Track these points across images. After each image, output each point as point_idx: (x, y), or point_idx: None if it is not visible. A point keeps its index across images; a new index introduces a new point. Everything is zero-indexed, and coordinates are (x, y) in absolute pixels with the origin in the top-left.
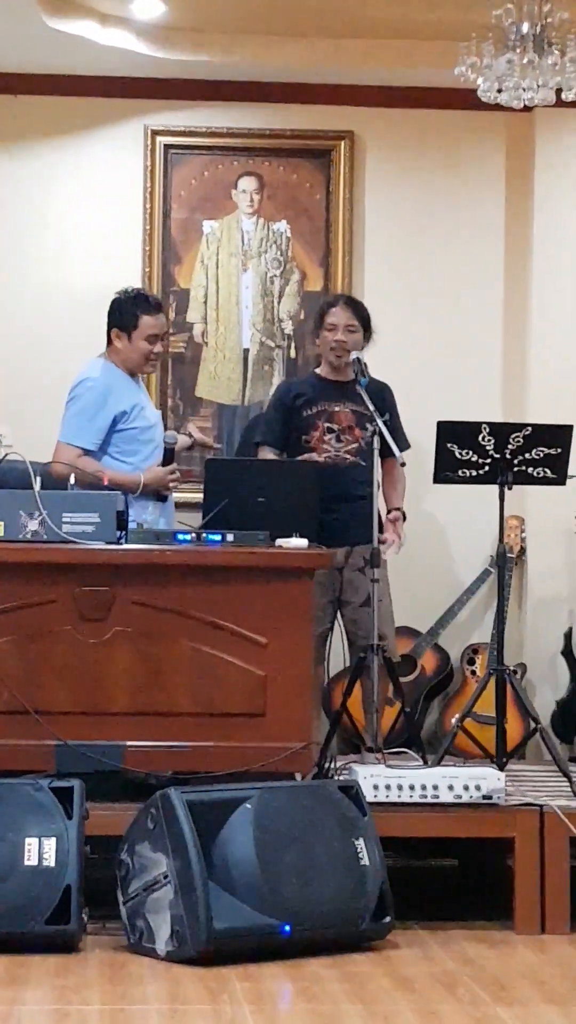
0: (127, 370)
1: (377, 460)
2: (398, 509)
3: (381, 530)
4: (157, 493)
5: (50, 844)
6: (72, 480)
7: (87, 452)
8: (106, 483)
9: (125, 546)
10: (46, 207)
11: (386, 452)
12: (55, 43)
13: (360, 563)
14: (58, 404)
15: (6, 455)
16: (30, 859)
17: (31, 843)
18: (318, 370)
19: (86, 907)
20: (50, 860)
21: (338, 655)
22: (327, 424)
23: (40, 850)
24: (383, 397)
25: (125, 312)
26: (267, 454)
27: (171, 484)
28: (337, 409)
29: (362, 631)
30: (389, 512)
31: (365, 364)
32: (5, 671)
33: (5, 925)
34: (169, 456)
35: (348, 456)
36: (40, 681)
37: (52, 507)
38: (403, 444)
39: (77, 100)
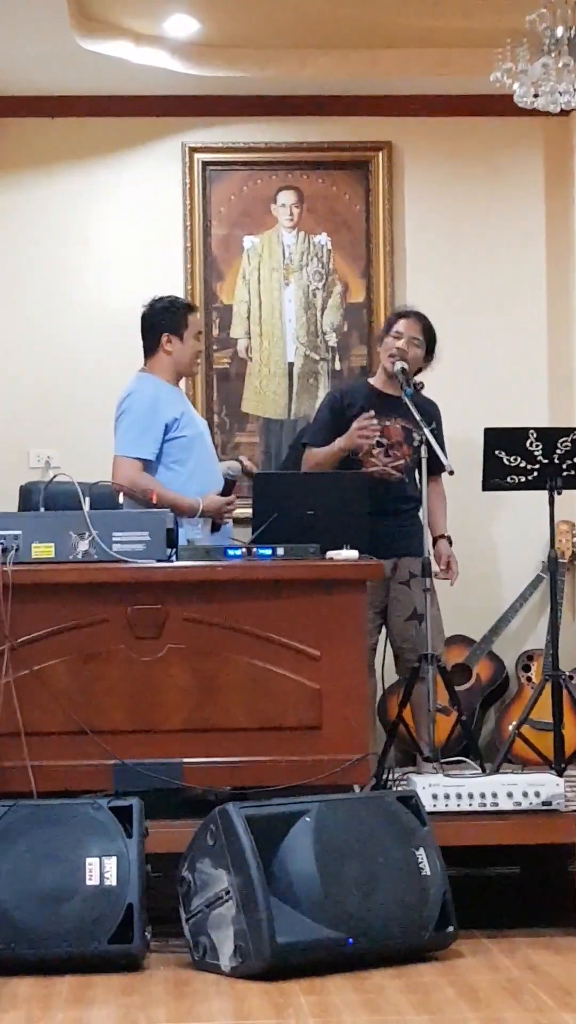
0: (173, 376)
1: (425, 471)
2: (443, 536)
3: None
4: (213, 520)
5: (111, 863)
6: (121, 499)
7: (146, 463)
8: (154, 500)
9: (176, 563)
10: (87, 228)
11: (433, 466)
12: (90, 64)
13: (406, 576)
14: (104, 424)
15: (54, 477)
16: (92, 879)
17: (92, 863)
18: (372, 380)
19: (149, 925)
20: (111, 879)
21: (391, 667)
22: (377, 438)
23: (101, 870)
24: (431, 415)
25: (175, 314)
26: (313, 455)
27: (226, 515)
28: (388, 423)
29: (408, 643)
30: (435, 542)
31: (420, 383)
32: (60, 692)
33: (69, 945)
34: (229, 487)
35: (395, 472)
36: (96, 701)
37: (102, 527)
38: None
39: (113, 120)
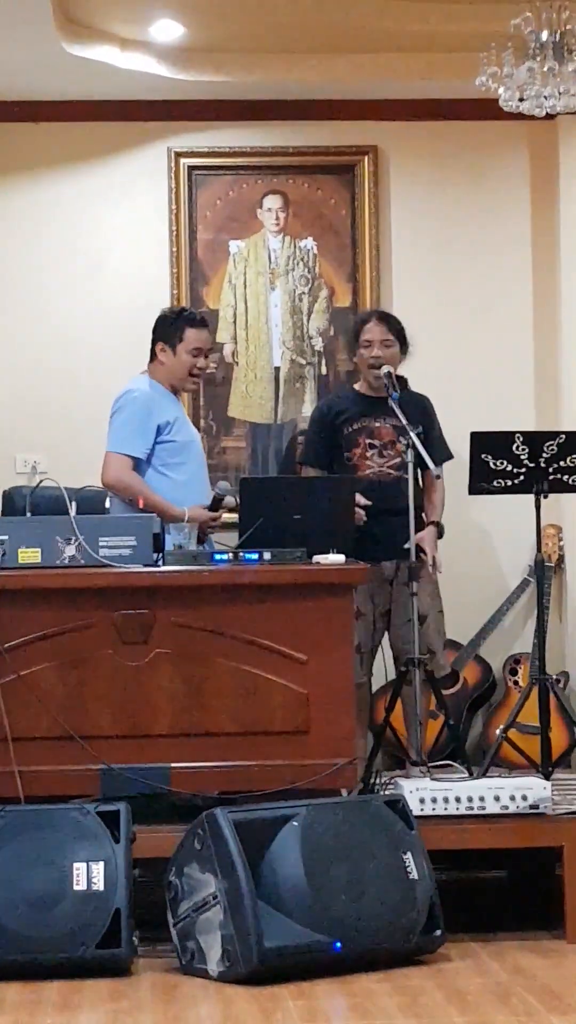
0: (169, 386)
1: (413, 473)
2: (433, 523)
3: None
4: (200, 531)
5: (98, 868)
6: (108, 503)
7: (136, 461)
8: (141, 506)
9: (163, 568)
10: (72, 233)
11: (423, 465)
12: (75, 69)
13: (407, 577)
14: (91, 430)
15: (40, 482)
16: (79, 884)
17: (79, 868)
18: (357, 386)
19: (136, 930)
20: (99, 884)
21: (383, 670)
22: (369, 440)
23: (89, 875)
24: (424, 409)
25: (171, 325)
26: (310, 473)
27: (209, 530)
28: (378, 425)
29: (409, 645)
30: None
31: (401, 378)
32: (47, 697)
33: (56, 951)
34: (216, 504)
35: (391, 471)
36: (82, 706)
37: (88, 532)
38: (443, 455)
39: (99, 125)
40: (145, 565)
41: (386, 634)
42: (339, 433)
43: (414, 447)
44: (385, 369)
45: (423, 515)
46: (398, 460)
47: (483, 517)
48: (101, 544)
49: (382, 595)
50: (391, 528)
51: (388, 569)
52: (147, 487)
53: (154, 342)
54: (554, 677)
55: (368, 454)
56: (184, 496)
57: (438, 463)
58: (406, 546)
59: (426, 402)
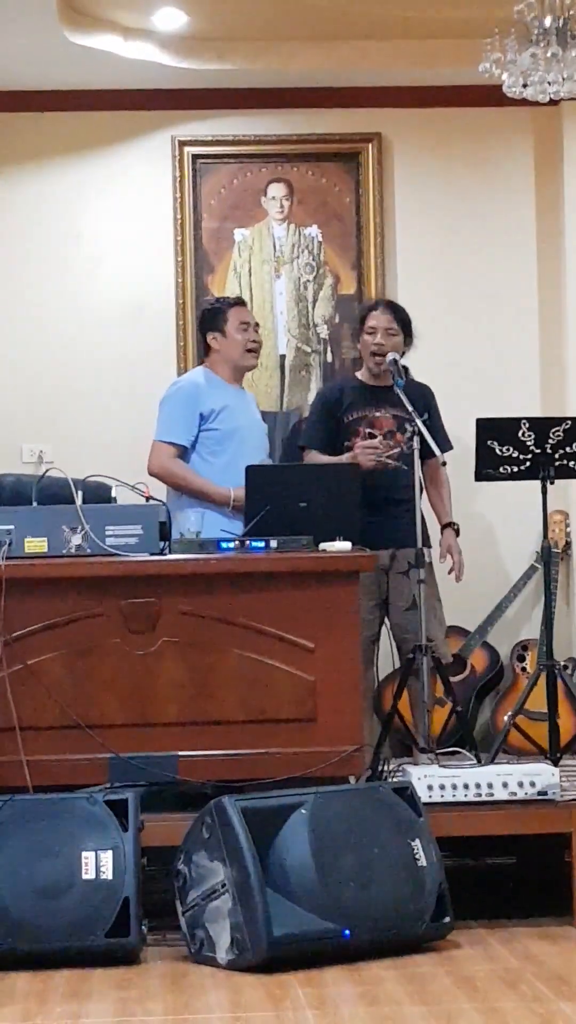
0: (230, 372)
1: (418, 461)
2: (450, 525)
3: (426, 537)
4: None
5: (107, 857)
6: (113, 492)
7: (181, 449)
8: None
9: (169, 557)
10: (77, 223)
11: (427, 453)
12: (78, 59)
13: (405, 566)
14: (96, 418)
15: (47, 471)
16: (88, 873)
17: (88, 857)
18: (359, 374)
19: (145, 919)
20: (107, 873)
21: (387, 658)
22: (369, 430)
23: (97, 864)
24: (425, 397)
25: (213, 313)
26: (313, 456)
27: None
28: (379, 415)
29: (409, 634)
30: (443, 530)
31: (405, 367)
32: (55, 686)
33: (65, 940)
34: None
35: (390, 461)
36: (90, 695)
37: (95, 521)
38: (445, 444)
39: (103, 115)
40: (152, 554)
41: (386, 623)
42: (339, 422)
43: (420, 434)
44: (391, 356)
45: (426, 504)
46: (397, 450)
47: (489, 504)
48: (108, 533)
49: (380, 585)
50: (388, 517)
51: (383, 557)
52: (191, 472)
53: (204, 336)
54: (562, 663)
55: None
56: (223, 480)
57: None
58: (416, 541)
59: (427, 391)
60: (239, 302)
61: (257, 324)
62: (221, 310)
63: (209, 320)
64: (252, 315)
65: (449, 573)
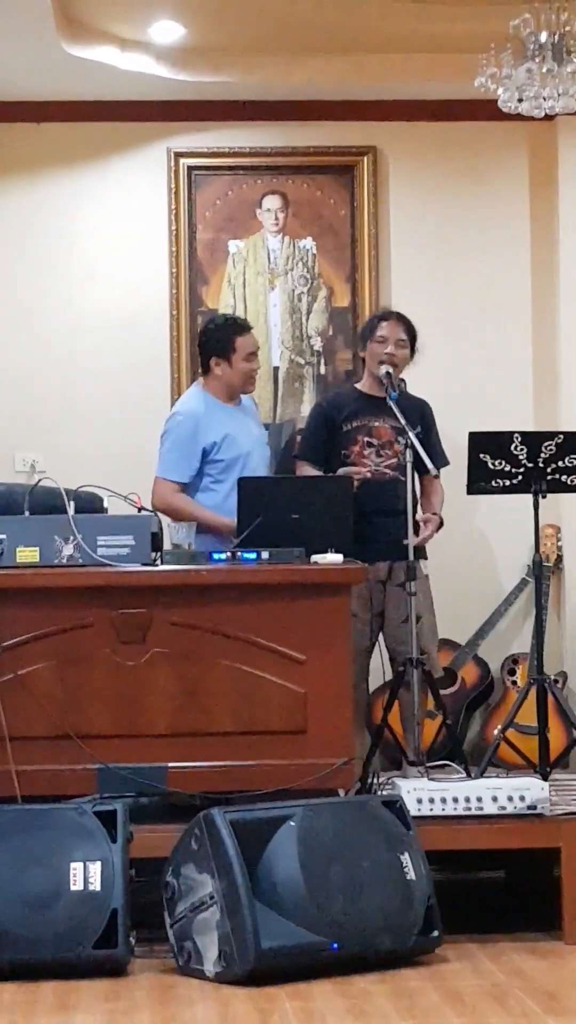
0: (226, 394)
1: (412, 474)
2: (435, 513)
3: (421, 550)
4: None
5: (95, 868)
6: (105, 503)
7: (183, 485)
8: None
9: (161, 567)
10: (73, 233)
11: (421, 468)
12: (75, 70)
13: (402, 578)
14: (88, 428)
15: (39, 481)
16: (76, 884)
17: (76, 868)
18: (359, 385)
19: (133, 930)
20: (96, 884)
21: (377, 670)
22: (367, 439)
23: (86, 874)
24: (422, 413)
25: (221, 338)
26: (306, 469)
27: None
28: (377, 424)
29: (403, 646)
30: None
31: (402, 380)
32: (45, 696)
33: (53, 951)
34: None
35: (388, 471)
36: (80, 705)
37: (87, 531)
38: (441, 460)
39: (99, 126)
40: (143, 564)
41: (381, 635)
42: (338, 430)
43: (413, 448)
44: (384, 370)
45: (424, 509)
46: (394, 460)
47: (481, 517)
48: (99, 543)
49: (375, 596)
50: (384, 528)
51: (381, 569)
52: (194, 505)
53: (206, 357)
54: (552, 677)
55: (365, 452)
56: (227, 505)
57: (436, 467)
58: (405, 542)
59: (424, 407)
60: (246, 328)
61: (258, 349)
62: (230, 339)
63: (214, 344)
64: (255, 339)
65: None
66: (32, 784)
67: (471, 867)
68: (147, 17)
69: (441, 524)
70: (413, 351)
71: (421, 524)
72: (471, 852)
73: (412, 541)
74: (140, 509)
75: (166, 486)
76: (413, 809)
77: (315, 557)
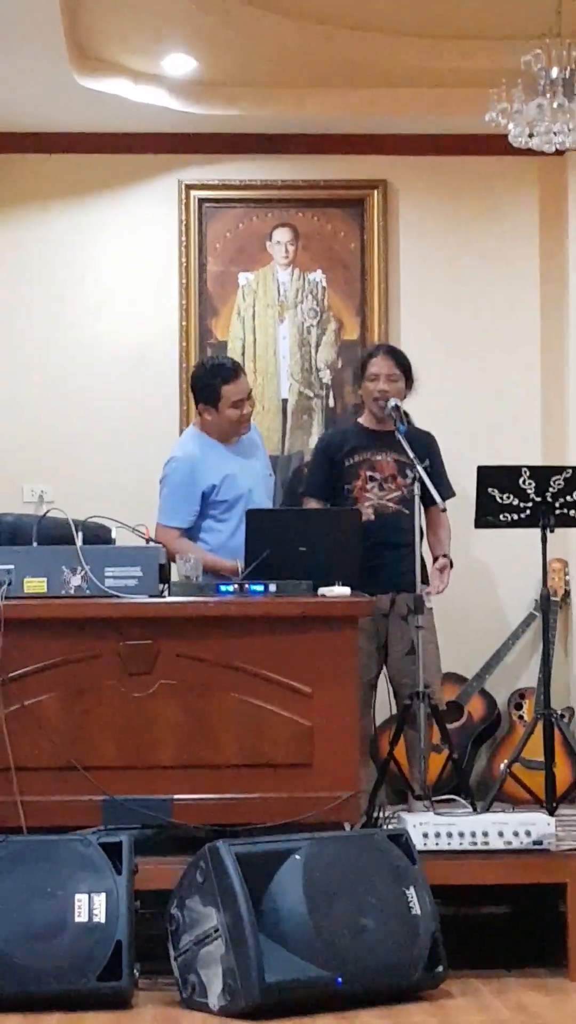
0: (219, 437)
1: (420, 507)
2: (445, 556)
3: (425, 578)
4: None
5: (100, 900)
6: (113, 533)
7: (184, 530)
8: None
9: (168, 599)
10: (83, 264)
11: (428, 500)
12: (88, 102)
13: (404, 610)
14: (97, 459)
15: (47, 511)
16: (80, 916)
17: (81, 899)
18: (360, 419)
19: (137, 962)
20: (100, 916)
21: (384, 704)
22: (370, 473)
23: (90, 906)
24: (427, 446)
25: (205, 386)
26: (312, 505)
27: None
28: (380, 458)
29: (407, 679)
30: (436, 559)
31: (406, 412)
32: (51, 727)
33: (57, 982)
34: None
35: (391, 504)
36: (86, 736)
37: (94, 562)
38: (447, 492)
39: (111, 157)
40: (151, 596)
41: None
42: (340, 465)
43: (421, 481)
44: (393, 402)
45: (427, 548)
46: (398, 494)
47: (489, 551)
48: (107, 574)
49: (379, 629)
50: (387, 561)
51: (384, 602)
52: (198, 549)
53: (197, 404)
54: (559, 712)
55: (368, 487)
56: (232, 543)
57: (443, 499)
58: (415, 586)
59: (430, 440)
60: (234, 374)
61: (251, 391)
62: (215, 388)
63: (200, 392)
64: (247, 382)
65: (427, 593)
66: (37, 815)
67: (476, 902)
68: (160, 50)
69: (451, 565)
70: (409, 382)
71: (436, 573)
72: (476, 887)
73: (429, 589)
74: (148, 540)
75: (167, 533)
76: (419, 843)
77: (322, 590)
